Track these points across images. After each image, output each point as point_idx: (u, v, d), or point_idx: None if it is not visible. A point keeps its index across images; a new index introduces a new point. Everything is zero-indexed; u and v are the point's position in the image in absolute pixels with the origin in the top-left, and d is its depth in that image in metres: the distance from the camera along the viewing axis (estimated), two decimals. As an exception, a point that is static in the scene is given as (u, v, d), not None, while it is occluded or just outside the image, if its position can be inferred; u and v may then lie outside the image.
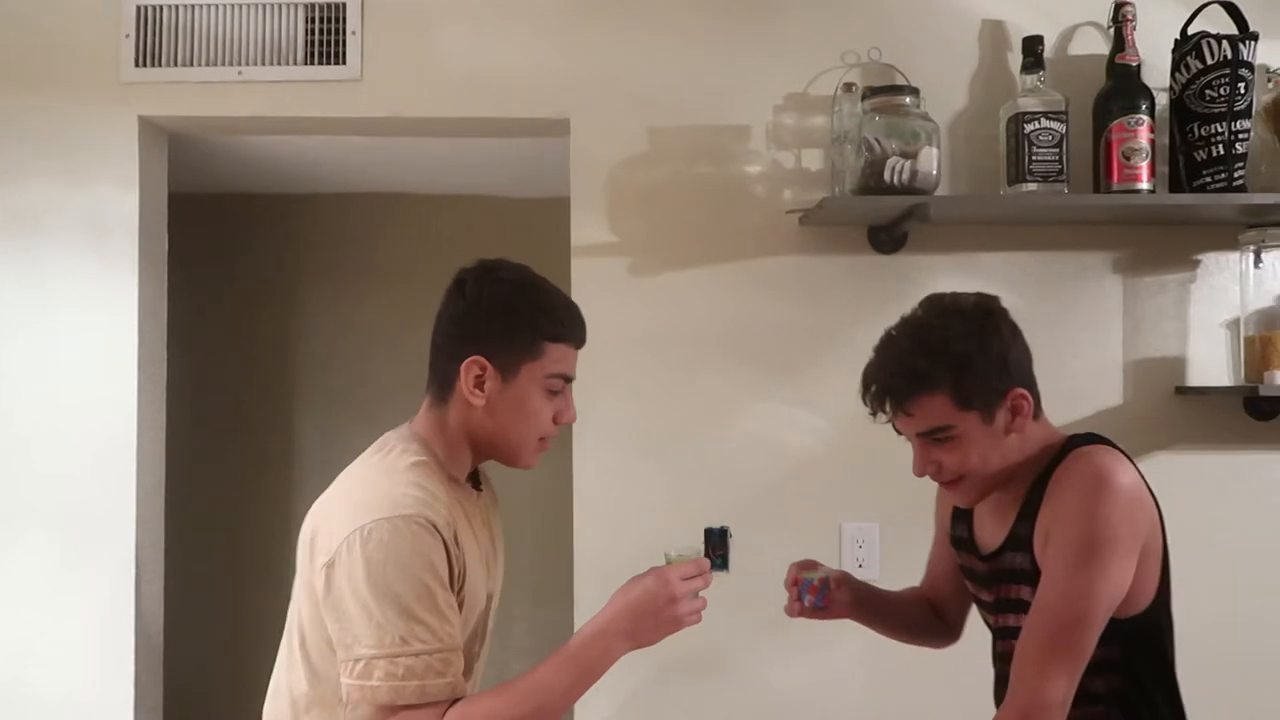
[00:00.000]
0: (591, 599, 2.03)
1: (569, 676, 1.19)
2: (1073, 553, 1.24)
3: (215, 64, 2.07)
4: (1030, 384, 1.35)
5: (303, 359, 3.28)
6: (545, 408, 1.29)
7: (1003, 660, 1.41)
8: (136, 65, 2.06)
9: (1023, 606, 1.32)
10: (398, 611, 1.15)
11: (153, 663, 2.11)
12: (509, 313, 1.27)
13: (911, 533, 1.75)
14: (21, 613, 2.03)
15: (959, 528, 1.48)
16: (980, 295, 1.37)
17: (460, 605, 1.23)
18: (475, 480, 1.38)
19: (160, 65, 2.07)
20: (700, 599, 1.24)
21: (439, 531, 1.19)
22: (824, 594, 1.47)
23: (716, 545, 2.02)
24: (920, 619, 1.60)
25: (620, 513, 2.04)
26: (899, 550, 1.95)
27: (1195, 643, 1.96)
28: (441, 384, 1.30)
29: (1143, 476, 1.32)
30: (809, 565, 1.52)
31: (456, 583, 1.23)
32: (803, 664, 2.02)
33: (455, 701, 1.17)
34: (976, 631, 1.54)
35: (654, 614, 1.20)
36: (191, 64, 2.07)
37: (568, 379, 1.31)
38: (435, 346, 1.32)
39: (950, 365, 1.28)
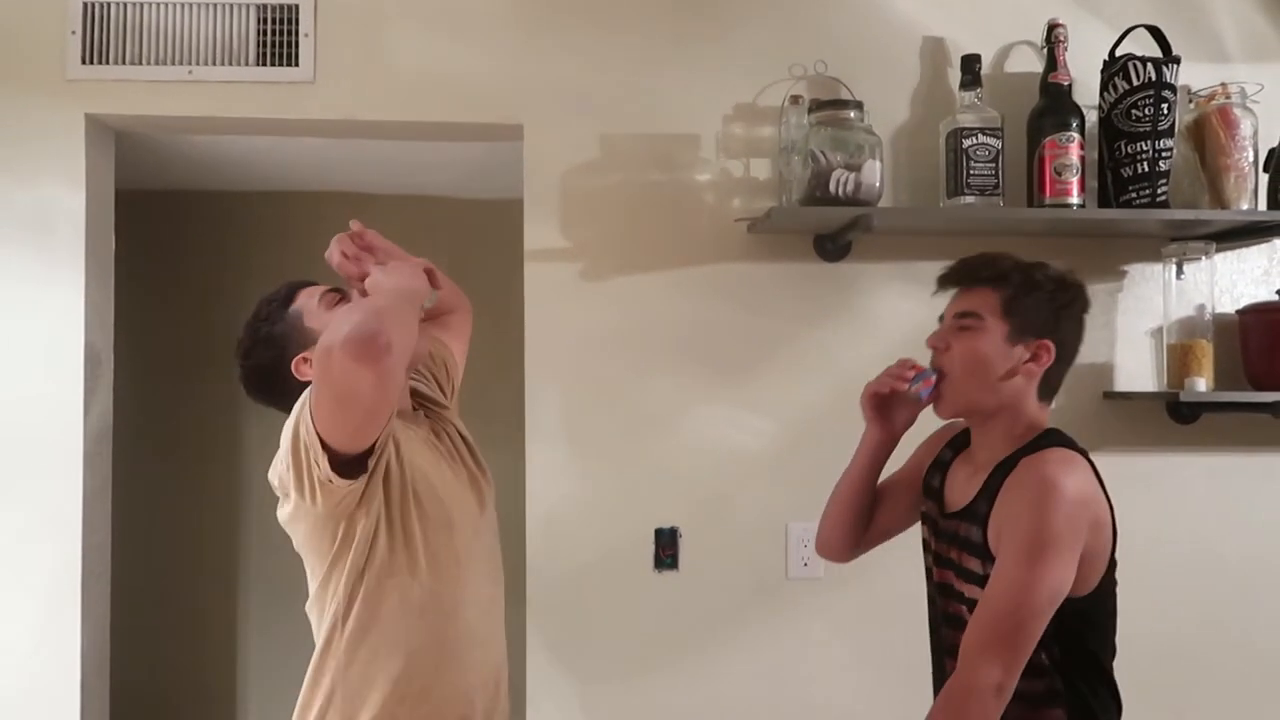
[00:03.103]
0: (543, 597, 2.06)
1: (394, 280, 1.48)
2: (1019, 551, 1.34)
3: (165, 63, 2.06)
4: (1062, 355, 1.46)
5: (249, 358, 3.24)
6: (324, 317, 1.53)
7: (946, 622, 1.49)
8: (83, 62, 2.04)
9: (963, 573, 1.44)
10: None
11: (99, 665, 2.08)
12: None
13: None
14: (-38, 616, 2.00)
15: (934, 477, 1.57)
16: (1079, 280, 1.50)
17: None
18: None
19: (108, 63, 2.05)
20: None
21: None
22: (934, 390, 1.49)
23: (666, 545, 2.07)
24: (868, 508, 1.65)
25: (571, 513, 2.07)
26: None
27: (1120, 632, 2.06)
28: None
29: (1099, 476, 1.42)
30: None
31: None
32: (751, 659, 2.08)
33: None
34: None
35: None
36: (140, 62, 2.05)
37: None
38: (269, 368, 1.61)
39: (1021, 280, 1.45)
